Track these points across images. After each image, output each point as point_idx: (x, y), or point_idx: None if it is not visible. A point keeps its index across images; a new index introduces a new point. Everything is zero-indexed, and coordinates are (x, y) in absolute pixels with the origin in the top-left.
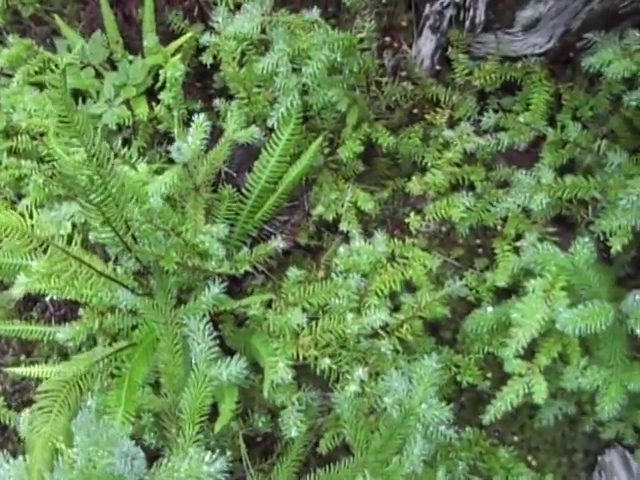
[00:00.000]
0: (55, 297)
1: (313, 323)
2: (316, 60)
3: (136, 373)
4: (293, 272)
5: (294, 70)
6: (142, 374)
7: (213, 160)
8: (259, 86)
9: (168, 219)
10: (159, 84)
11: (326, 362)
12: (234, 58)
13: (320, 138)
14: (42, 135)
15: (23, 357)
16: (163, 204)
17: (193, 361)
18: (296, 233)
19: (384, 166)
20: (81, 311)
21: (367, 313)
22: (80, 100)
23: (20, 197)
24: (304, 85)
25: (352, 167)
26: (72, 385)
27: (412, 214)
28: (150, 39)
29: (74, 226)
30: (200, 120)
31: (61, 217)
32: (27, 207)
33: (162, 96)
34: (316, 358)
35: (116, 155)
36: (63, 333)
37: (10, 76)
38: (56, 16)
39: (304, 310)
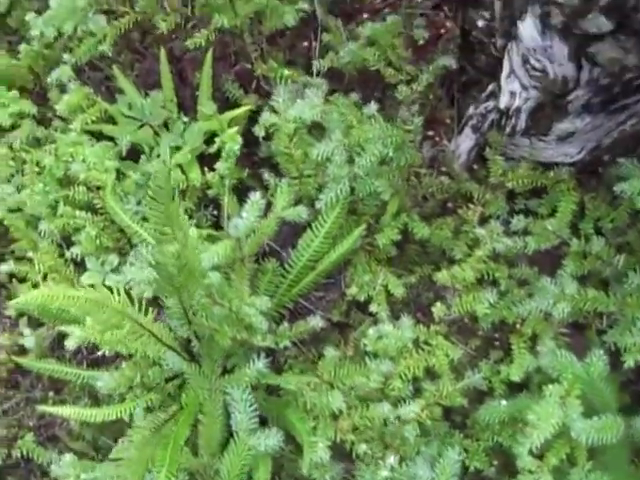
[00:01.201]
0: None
1: (352, 409)
2: (370, 154)
3: (180, 435)
4: (330, 352)
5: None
6: (185, 436)
7: (261, 234)
8: (310, 169)
9: (224, 294)
10: (212, 150)
11: (363, 448)
12: (291, 140)
13: (363, 225)
14: (99, 188)
15: (52, 394)
16: (220, 278)
17: (233, 428)
18: (330, 310)
19: (414, 252)
20: (117, 359)
21: (401, 403)
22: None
23: (66, 241)
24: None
25: (386, 251)
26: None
27: (438, 303)
28: (208, 106)
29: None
30: (256, 198)
31: (125, 281)
32: (76, 255)
33: (217, 166)
34: (352, 442)
35: None
36: (103, 382)
37: (64, 120)
38: (114, 67)
39: (338, 389)
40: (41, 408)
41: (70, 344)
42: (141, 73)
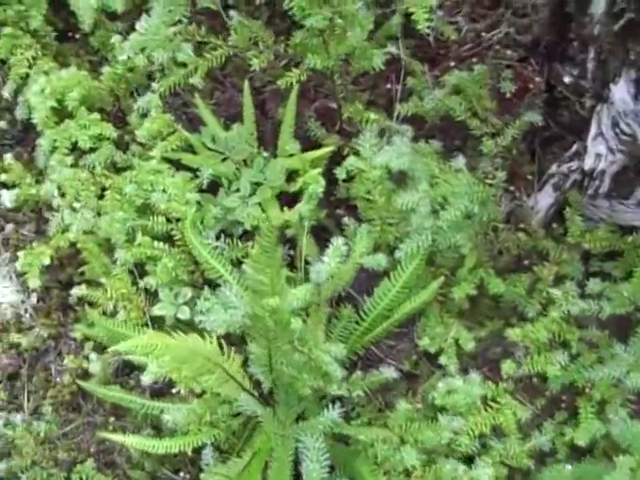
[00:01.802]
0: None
1: (425, 466)
2: (455, 208)
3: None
4: (402, 405)
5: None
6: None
7: (339, 279)
8: (393, 217)
9: (305, 340)
10: (293, 189)
11: None
12: (376, 187)
13: (441, 279)
14: (178, 220)
15: (112, 419)
16: (301, 324)
17: (304, 477)
18: (400, 359)
19: (486, 307)
20: (180, 389)
21: (474, 465)
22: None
23: (138, 269)
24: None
25: (459, 304)
26: None
27: (508, 361)
28: (291, 144)
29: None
30: (338, 243)
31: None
32: (150, 286)
33: (298, 207)
34: None
35: (247, 255)
36: (171, 417)
37: (143, 145)
38: (196, 96)
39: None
40: (103, 435)
41: (146, 380)
42: (220, 102)
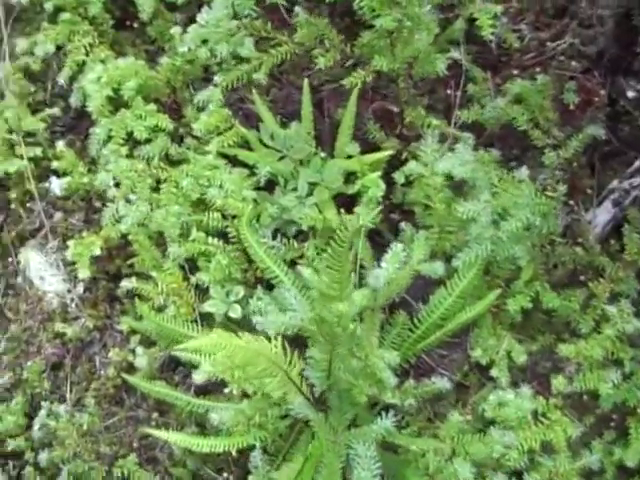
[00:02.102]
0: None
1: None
2: (517, 219)
3: None
4: (454, 416)
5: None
6: None
7: (395, 285)
8: (452, 225)
9: (362, 346)
10: (350, 191)
11: None
12: (436, 194)
13: (498, 290)
14: (233, 217)
15: (155, 415)
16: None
17: None
18: (451, 369)
19: (538, 320)
20: (232, 389)
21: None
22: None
23: (190, 265)
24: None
25: (512, 317)
26: None
27: (560, 377)
28: (350, 146)
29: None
30: (397, 249)
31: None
32: (202, 282)
33: (357, 209)
34: None
35: (302, 256)
36: (218, 417)
37: (198, 139)
38: (254, 92)
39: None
40: (146, 430)
41: (198, 378)
42: (277, 99)
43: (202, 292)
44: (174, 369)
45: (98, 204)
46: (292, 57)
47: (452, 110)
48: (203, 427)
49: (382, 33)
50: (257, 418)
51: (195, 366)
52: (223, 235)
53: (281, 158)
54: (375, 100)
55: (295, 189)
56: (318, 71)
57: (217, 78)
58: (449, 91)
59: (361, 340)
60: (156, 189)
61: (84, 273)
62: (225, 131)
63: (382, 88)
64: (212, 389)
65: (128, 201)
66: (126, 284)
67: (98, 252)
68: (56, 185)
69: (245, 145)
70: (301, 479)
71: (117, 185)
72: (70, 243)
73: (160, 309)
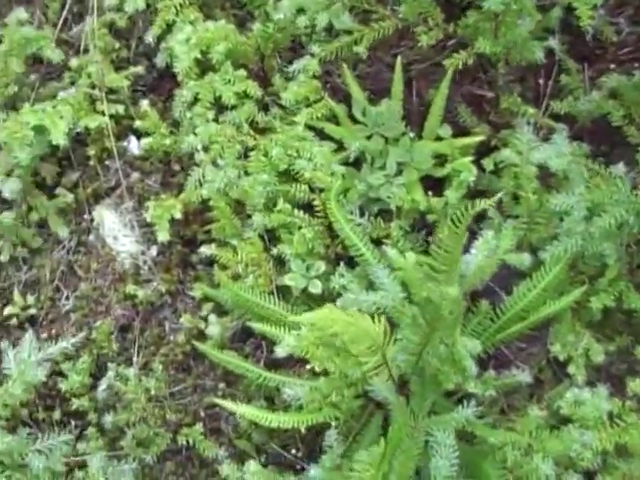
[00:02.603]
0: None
1: None
2: (611, 216)
3: (382, 466)
4: (535, 412)
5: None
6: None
7: (481, 273)
8: (543, 217)
9: (451, 333)
10: (439, 174)
11: None
12: (529, 184)
13: (584, 287)
14: (321, 191)
15: (222, 385)
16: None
17: (431, 472)
18: (528, 363)
19: (618, 321)
20: (296, 364)
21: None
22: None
23: (269, 236)
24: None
25: (593, 315)
26: None
27: (638, 380)
28: (443, 128)
29: None
30: (488, 237)
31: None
32: (283, 255)
33: (447, 193)
34: None
35: (387, 235)
36: (292, 392)
37: (284, 108)
38: (344, 66)
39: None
40: (214, 400)
41: (280, 352)
42: (364, 75)
43: (279, 264)
44: (244, 340)
45: (177, 167)
46: (394, 32)
47: (542, 100)
48: (271, 401)
49: (488, 15)
50: (333, 397)
51: (268, 338)
52: (309, 208)
53: (371, 135)
54: (465, 84)
55: (382, 167)
56: (407, 49)
57: (315, 48)
58: (540, 80)
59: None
60: (243, 156)
61: (163, 236)
62: (314, 103)
63: (473, 71)
64: (282, 363)
65: (216, 166)
66: (205, 250)
67: (179, 215)
68: (134, 145)
69: (332, 119)
70: (378, 464)
71: (204, 149)
72: (150, 204)
73: (235, 277)
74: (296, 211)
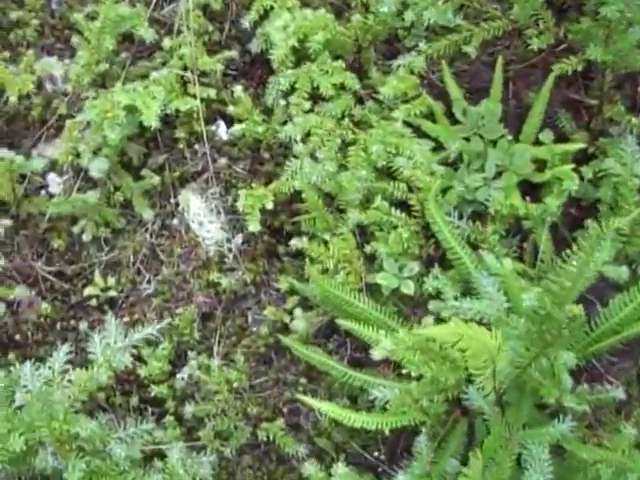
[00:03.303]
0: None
1: None
2: None
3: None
4: (628, 430)
5: None
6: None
7: (578, 284)
8: None
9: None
10: (537, 180)
11: None
12: (633, 197)
13: None
14: (419, 189)
15: (304, 380)
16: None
17: None
18: (619, 378)
19: None
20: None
21: None
22: None
23: (361, 233)
24: None
25: None
26: None
27: None
28: (544, 134)
29: None
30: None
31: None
32: (376, 253)
33: (547, 200)
34: None
35: (484, 240)
36: (381, 394)
37: (380, 103)
38: (444, 64)
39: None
40: (297, 396)
41: (376, 355)
42: (460, 73)
43: (369, 262)
44: (328, 337)
45: (266, 155)
46: (503, 33)
47: (639, 108)
48: (354, 400)
49: (602, 22)
50: (424, 402)
51: (352, 336)
52: (406, 207)
53: (470, 136)
54: (563, 88)
55: (479, 169)
56: (504, 48)
57: (422, 45)
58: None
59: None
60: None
61: (254, 226)
62: (412, 99)
63: (572, 77)
64: (365, 362)
65: (313, 158)
66: (296, 243)
67: (270, 206)
68: (223, 130)
69: (428, 116)
70: (473, 474)
71: (302, 140)
72: (241, 193)
73: (324, 272)
74: (393, 210)
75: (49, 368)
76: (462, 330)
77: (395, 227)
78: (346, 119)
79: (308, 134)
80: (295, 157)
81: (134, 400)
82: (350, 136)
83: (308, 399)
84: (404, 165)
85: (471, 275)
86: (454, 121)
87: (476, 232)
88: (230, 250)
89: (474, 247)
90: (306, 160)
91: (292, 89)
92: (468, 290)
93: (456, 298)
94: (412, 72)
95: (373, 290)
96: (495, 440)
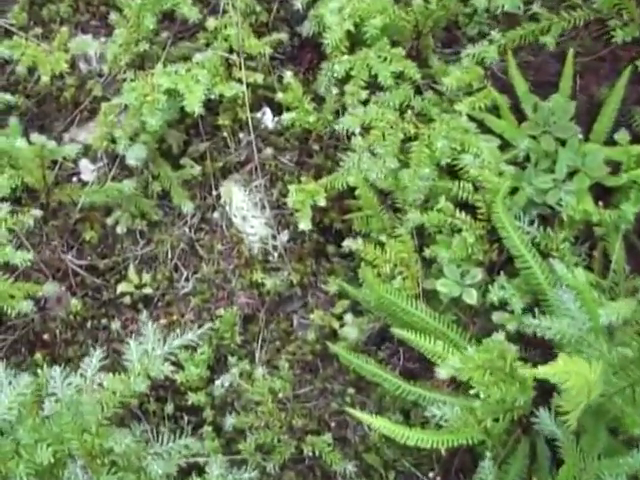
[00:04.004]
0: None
1: None
2: None
3: None
4: None
5: None
6: None
7: None
8: None
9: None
10: (612, 184)
11: None
12: None
13: None
14: (486, 190)
15: (351, 390)
16: None
17: None
18: None
19: None
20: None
21: None
22: None
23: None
24: None
25: None
26: None
27: None
28: (621, 133)
29: None
30: None
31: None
32: (438, 258)
33: (624, 207)
34: None
35: (554, 247)
36: (439, 411)
37: (440, 94)
38: (509, 57)
39: None
40: (347, 410)
41: (442, 374)
42: (524, 65)
43: (427, 267)
44: (379, 345)
45: (315, 147)
46: (584, 24)
47: None
48: (406, 414)
49: None
50: (488, 422)
51: (406, 345)
52: (465, 208)
53: (540, 134)
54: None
55: (547, 170)
56: (569, 39)
57: (495, 34)
58: None
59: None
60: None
61: (306, 224)
62: (476, 92)
63: None
64: (419, 372)
65: (373, 153)
66: (350, 244)
67: (323, 203)
68: (269, 118)
69: (492, 110)
70: None
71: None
72: (291, 188)
73: (378, 276)
74: (457, 212)
75: (81, 376)
76: (571, 369)
77: (459, 230)
78: (408, 111)
79: (367, 127)
80: (352, 151)
81: (169, 408)
82: (412, 130)
83: (357, 413)
84: (470, 164)
85: (541, 286)
86: (519, 117)
87: (546, 238)
88: (275, 248)
89: (543, 255)
90: (365, 155)
91: (347, 77)
92: (536, 302)
93: (524, 311)
94: (479, 63)
95: (429, 297)
96: (569, 470)
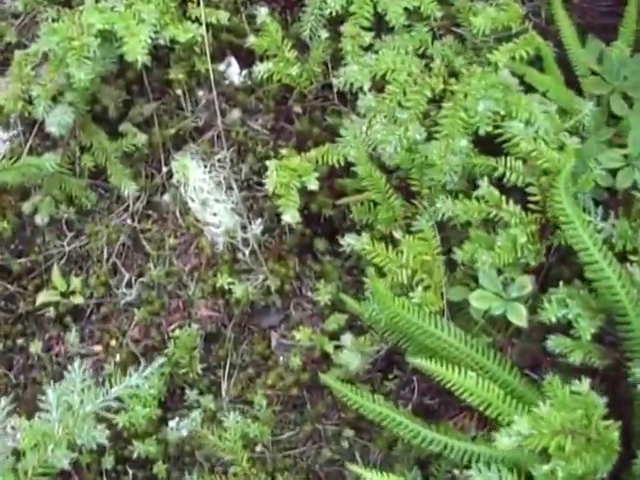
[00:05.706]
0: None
1: None
2: None
3: None
4: None
5: None
6: None
7: None
8: None
9: None
10: None
11: None
12: None
13: None
14: (542, 171)
15: (349, 432)
16: None
17: None
18: None
19: None
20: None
21: None
22: None
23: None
24: None
25: None
26: None
27: None
28: None
29: None
30: None
31: None
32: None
33: None
34: None
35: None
36: (480, 476)
37: (461, 37)
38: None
39: None
40: (349, 467)
41: (506, 443)
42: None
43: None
44: (387, 372)
45: (297, 109)
46: None
47: None
48: (424, 466)
49: None
50: None
51: (420, 373)
52: (510, 193)
53: (607, 94)
54: None
55: (609, 143)
56: None
57: None
58: None
59: None
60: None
61: (292, 216)
62: (515, 36)
63: None
64: (437, 410)
65: (393, 120)
66: (351, 242)
67: (313, 187)
68: (235, 71)
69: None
70: None
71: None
72: (270, 164)
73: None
74: (504, 202)
75: None
76: None
77: (506, 226)
78: (438, 62)
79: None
80: (358, 115)
81: (108, 461)
82: (440, 86)
83: (358, 469)
84: (521, 134)
85: (621, 304)
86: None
87: (624, 237)
88: (246, 243)
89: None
90: (379, 119)
91: (342, 15)
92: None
93: (594, 338)
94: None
95: (453, 311)
96: None
